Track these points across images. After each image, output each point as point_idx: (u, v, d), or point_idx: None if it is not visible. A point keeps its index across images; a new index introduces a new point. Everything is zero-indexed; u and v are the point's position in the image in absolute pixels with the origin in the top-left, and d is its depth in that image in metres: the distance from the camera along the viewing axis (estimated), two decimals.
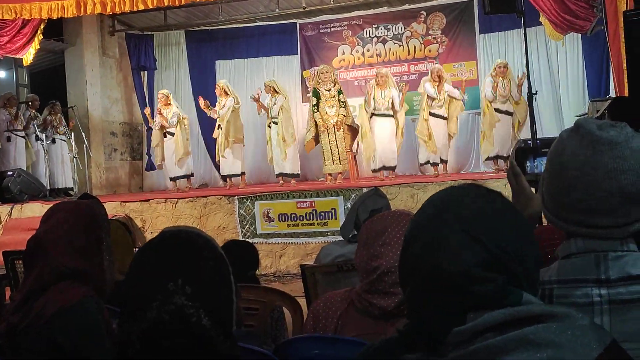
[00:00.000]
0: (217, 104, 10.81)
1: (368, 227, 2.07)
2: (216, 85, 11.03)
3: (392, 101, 9.98)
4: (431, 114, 10.09)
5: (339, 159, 9.99)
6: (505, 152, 9.96)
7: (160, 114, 10.94)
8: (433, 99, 10.06)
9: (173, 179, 11.15)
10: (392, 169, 10.16)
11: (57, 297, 2.08)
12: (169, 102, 11.00)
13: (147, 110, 11.46)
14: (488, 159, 10.25)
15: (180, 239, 1.35)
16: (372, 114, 10.06)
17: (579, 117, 7.54)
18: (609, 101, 6.03)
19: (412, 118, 11.68)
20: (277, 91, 10.54)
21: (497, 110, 10.06)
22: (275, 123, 10.44)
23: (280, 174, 10.58)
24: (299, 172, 10.86)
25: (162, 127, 11.01)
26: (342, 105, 10.03)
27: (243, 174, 11.04)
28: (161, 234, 1.38)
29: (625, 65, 6.11)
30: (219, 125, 10.74)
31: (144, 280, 1.29)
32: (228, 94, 10.77)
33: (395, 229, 1.96)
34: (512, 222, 1.17)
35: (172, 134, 10.99)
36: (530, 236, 1.19)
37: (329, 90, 10.12)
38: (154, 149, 11.39)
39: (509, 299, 1.09)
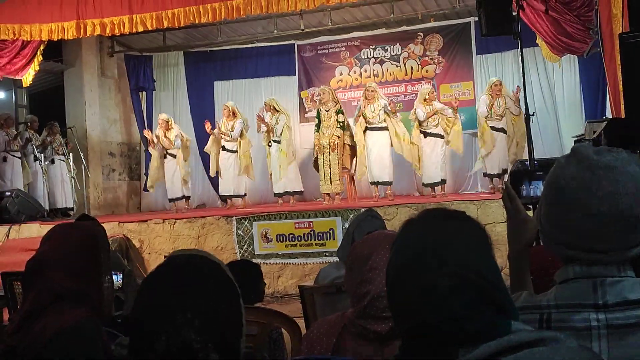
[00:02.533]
0: (222, 125, 10.84)
1: (354, 251, 2.06)
2: (224, 106, 11.06)
3: (385, 110, 10.00)
4: (428, 134, 10.11)
5: (331, 179, 9.98)
6: (498, 170, 9.96)
7: (165, 137, 10.93)
8: (421, 122, 10.10)
9: (173, 200, 11.15)
10: (388, 184, 10.16)
11: (56, 319, 2.07)
12: (170, 126, 11.02)
13: (148, 133, 11.24)
14: (485, 175, 10.25)
15: (189, 268, 1.33)
16: (367, 128, 10.08)
17: (575, 140, 7.58)
18: (606, 122, 6.07)
19: None
20: (277, 110, 10.63)
21: (493, 128, 10.08)
22: (278, 142, 10.52)
23: (280, 194, 10.63)
24: (302, 189, 10.91)
25: (163, 149, 10.99)
26: (339, 126, 10.01)
27: (245, 195, 11.07)
28: (169, 261, 1.37)
29: (621, 86, 6.15)
30: (224, 146, 10.83)
31: (152, 311, 1.29)
32: (236, 116, 10.85)
33: (382, 253, 1.93)
34: (485, 248, 1.22)
35: (173, 156, 11.00)
36: (494, 258, 1.23)
37: (327, 111, 10.16)
38: (151, 171, 11.31)
39: (498, 330, 1.11)
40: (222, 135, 10.83)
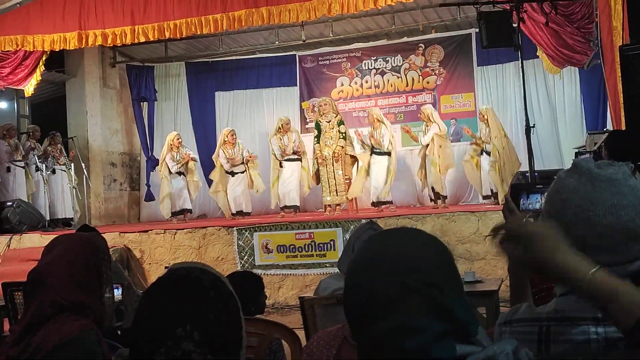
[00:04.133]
0: (225, 153, 10.87)
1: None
2: (229, 133, 10.98)
3: (383, 139, 10.09)
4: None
5: (336, 190, 10.03)
6: (488, 192, 10.13)
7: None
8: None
9: (175, 214, 11.06)
10: (388, 202, 10.18)
11: (56, 330, 2.07)
12: (181, 144, 11.07)
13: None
14: (485, 197, 10.33)
15: (189, 280, 1.33)
16: (372, 152, 10.21)
17: (576, 152, 7.58)
18: (607, 134, 6.08)
19: (410, 149, 11.75)
20: (290, 130, 10.79)
21: (484, 150, 10.23)
22: (299, 160, 10.63)
23: (285, 207, 10.68)
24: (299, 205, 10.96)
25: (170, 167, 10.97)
26: (342, 137, 10.11)
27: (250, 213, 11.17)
28: (169, 274, 1.37)
29: (621, 98, 6.16)
30: (232, 171, 10.90)
31: (152, 323, 1.29)
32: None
33: None
34: (442, 260, 1.19)
35: (179, 173, 11.03)
36: (457, 275, 1.20)
37: (329, 122, 10.23)
38: (163, 198, 11.10)
39: (441, 354, 1.09)
40: (232, 163, 10.87)
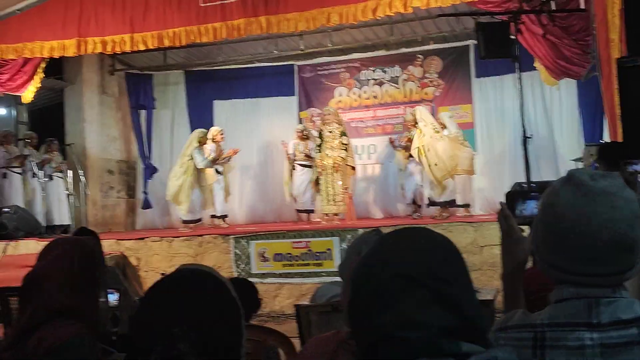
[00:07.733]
0: (213, 150, 10.91)
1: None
2: (219, 132, 11.09)
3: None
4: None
5: (334, 200, 10.04)
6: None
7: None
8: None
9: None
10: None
11: (51, 334, 2.07)
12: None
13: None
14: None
15: (191, 281, 1.34)
16: (409, 155, 10.33)
17: (572, 163, 7.58)
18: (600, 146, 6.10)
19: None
20: (308, 137, 10.98)
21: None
22: (309, 166, 10.81)
23: (301, 210, 11.03)
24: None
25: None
26: (343, 148, 10.14)
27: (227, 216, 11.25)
28: (173, 274, 1.37)
29: (618, 111, 6.17)
30: (217, 169, 10.96)
31: (152, 320, 1.29)
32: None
33: None
34: (448, 254, 1.19)
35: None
36: (466, 273, 1.20)
37: (331, 132, 10.27)
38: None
39: (445, 349, 1.09)
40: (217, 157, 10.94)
